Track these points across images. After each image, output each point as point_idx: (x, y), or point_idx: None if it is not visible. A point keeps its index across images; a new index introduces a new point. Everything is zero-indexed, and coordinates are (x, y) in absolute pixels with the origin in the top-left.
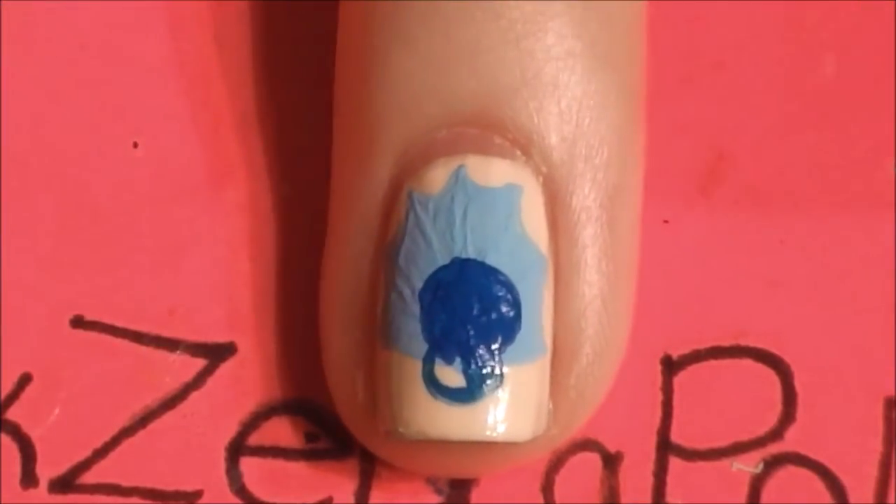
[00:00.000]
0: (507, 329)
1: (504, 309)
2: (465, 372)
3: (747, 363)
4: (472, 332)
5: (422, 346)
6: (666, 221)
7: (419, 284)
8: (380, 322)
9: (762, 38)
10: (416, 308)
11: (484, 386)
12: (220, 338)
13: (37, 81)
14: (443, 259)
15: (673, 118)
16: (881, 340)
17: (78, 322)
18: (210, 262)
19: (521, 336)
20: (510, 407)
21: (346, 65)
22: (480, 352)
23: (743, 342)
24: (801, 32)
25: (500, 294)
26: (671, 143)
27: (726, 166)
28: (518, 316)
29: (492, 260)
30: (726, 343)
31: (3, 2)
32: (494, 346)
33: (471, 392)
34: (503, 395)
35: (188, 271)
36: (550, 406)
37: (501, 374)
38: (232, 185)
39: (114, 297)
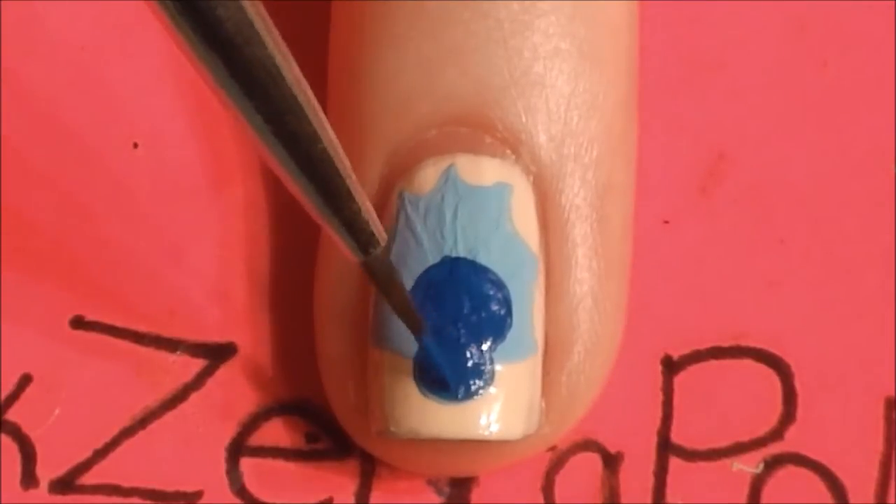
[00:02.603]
0: (498, 328)
1: (495, 307)
2: (456, 371)
3: (747, 363)
4: (462, 331)
5: (413, 345)
6: (666, 221)
7: (410, 284)
8: (371, 321)
9: (762, 38)
10: None
11: (475, 384)
12: (220, 338)
13: (37, 81)
14: (433, 258)
15: (673, 118)
16: (881, 340)
17: (78, 322)
18: (210, 262)
19: (512, 334)
20: (501, 405)
21: (337, 66)
22: (471, 350)
23: (743, 342)
24: (801, 32)
25: (491, 293)
26: (671, 143)
27: (726, 166)
28: (509, 314)
29: (482, 259)
30: (726, 343)
31: (3, 2)
32: (485, 345)
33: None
34: (494, 393)
35: (188, 271)
36: (542, 404)
37: (492, 373)
38: (231, 186)
39: (114, 297)
